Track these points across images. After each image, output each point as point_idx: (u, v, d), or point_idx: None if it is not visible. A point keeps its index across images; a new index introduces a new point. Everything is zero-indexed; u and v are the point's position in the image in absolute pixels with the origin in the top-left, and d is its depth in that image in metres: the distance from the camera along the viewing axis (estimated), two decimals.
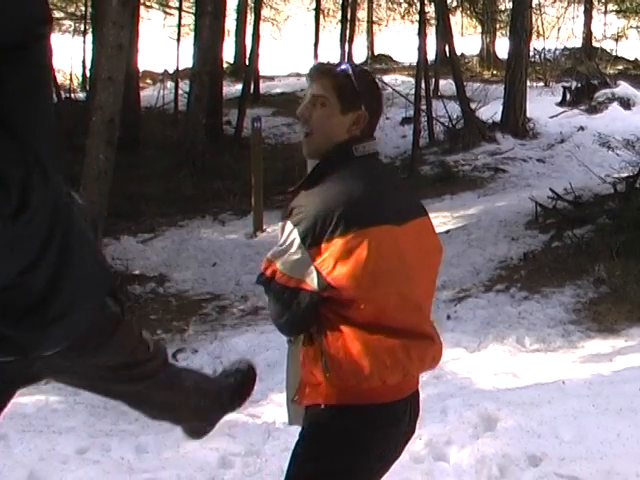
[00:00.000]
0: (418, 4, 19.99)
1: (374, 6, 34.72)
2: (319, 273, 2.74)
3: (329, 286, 2.75)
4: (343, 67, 2.88)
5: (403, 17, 33.33)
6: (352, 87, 2.84)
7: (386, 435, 2.92)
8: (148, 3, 28.72)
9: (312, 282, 2.76)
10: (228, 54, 25.35)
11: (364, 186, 2.81)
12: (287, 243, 2.78)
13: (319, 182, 2.82)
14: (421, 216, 2.98)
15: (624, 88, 21.05)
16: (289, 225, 2.77)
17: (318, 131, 2.86)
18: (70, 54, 24.86)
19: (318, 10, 26.51)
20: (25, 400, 6.92)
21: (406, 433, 3.01)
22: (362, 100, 2.86)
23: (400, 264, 2.82)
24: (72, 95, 22.79)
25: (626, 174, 12.69)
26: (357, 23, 32.31)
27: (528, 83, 19.85)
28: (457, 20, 34.81)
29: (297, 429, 5.92)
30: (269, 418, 6.27)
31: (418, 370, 2.95)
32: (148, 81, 26.50)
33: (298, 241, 2.75)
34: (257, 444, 5.56)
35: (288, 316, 2.86)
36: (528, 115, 18.89)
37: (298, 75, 28.95)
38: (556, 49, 29.82)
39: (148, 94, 23.41)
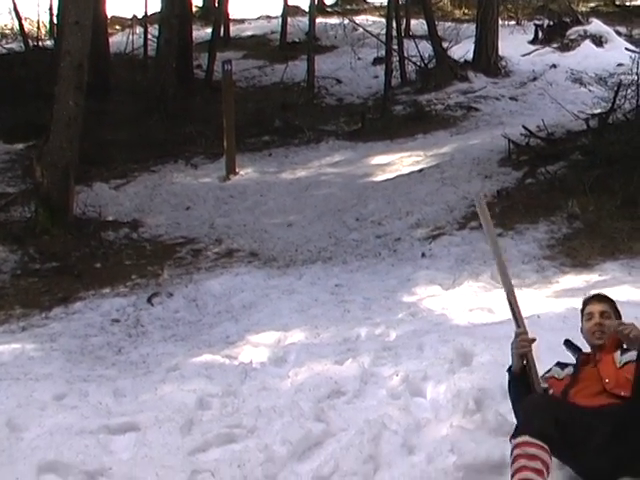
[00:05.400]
0: None
1: None
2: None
3: None
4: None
5: None
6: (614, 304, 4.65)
7: None
8: None
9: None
10: None
11: None
12: None
13: None
14: None
15: (596, 25, 20.97)
16: None
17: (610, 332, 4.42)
18: (37, 1, 24.49)
19: None
20: (1, 348, 6.91)
21: None
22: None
23: None
24: (40, 43, 22.46)
25: (598, 110, 12.70)
26: None
27: (500, 22, 19.74)
28: None
29: (274, 368, 5.96)
30: (246, 359, 6.28)
31: None
32: (117, 27, 26.12)
33: None
34: (234, 384, 5.58)
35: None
36: (500, 54, 18.82)
37: (268, 17, 28.64)
38: None
39: (117, 40, 23.10)
